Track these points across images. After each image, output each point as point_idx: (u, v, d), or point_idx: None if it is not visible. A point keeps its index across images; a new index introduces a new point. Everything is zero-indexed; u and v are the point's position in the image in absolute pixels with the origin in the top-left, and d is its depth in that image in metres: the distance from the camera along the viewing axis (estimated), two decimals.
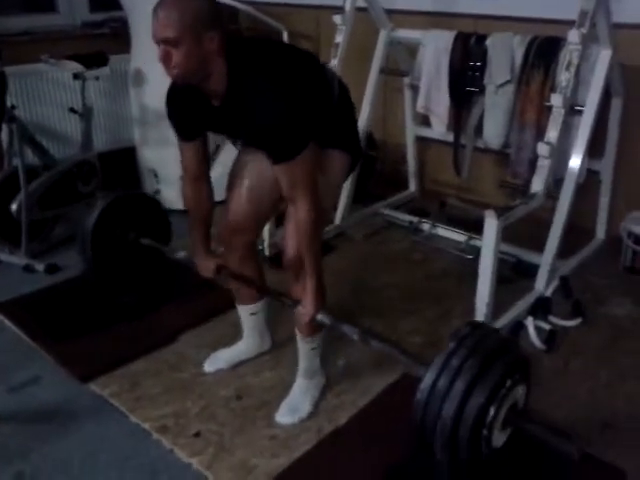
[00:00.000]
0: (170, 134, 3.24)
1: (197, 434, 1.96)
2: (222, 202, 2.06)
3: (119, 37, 3.71)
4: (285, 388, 2.10)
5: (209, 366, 2.26)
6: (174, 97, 1.77)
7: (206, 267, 2.06)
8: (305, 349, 2.04)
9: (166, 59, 1.54)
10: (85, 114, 3.24)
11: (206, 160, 1.93)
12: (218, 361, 2.27)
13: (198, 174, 1.92)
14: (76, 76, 3.17)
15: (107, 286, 2.65)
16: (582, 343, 2.40)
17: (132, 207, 2.56)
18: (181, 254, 2.34)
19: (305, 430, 1.98)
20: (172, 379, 2.22)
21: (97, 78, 3.29)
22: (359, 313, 2.57)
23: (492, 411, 1.36)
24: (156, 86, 3.48)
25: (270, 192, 1.91)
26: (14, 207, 2.91)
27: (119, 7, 3.55)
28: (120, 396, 2.13)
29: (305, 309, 1.81)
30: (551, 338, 2.37)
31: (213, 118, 1.74)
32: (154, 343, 2.39)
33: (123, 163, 3.71)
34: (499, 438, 1.43)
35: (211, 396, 2.13)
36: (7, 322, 2.52)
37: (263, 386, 2.18)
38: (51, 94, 3.46)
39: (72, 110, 3.26)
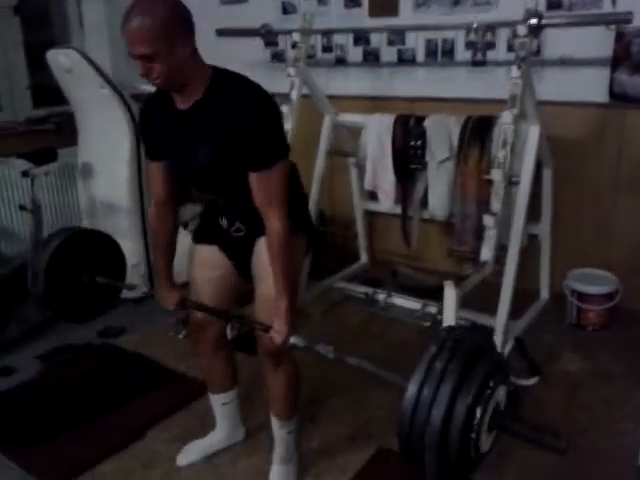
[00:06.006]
0: (120, 223, 3.31)
1: None
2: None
3: (64, 131, 3.75)
4: (264, 476, 2.08)
5: (182, 460, 2.22)
6: (145, 115, 1.82)
7: (168, 300, 1.98)
8: (282, 434, 2.04)
9: (148, 73, 1.57)
10: (35, 211, 3.20)
11: (173, 186, 1.90)
12: (191, 454, 2.23)
13: (164, 198, 1.89)
14: (25, 174, 3.15)
15: (64, 387, 2.56)
16: (543, 400, 2.50)
17: (86, 246, 2.20)
18: (141, 289, 2.22)
19: None
20: (145, 477, 2.16)
21: (47, 174, 3.29)
22: (325, 390, 2.59)
23: (478, 413, 1.32)
24: (105, 177, 3.54)
25: (230, 288, 1.96)
26: None
27: (62, 102, 3.61)
28: None
29: (279, 330, 1.70)
30: (513, 398, 2.46)
31: (182, 131, 1.70)
32: (121, 442, 2.33)
33: None
34: (486, 442, 1.43)
35: None
36: None
37: (241, 476, 2.15)
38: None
39: (22, 207, 3.22)
